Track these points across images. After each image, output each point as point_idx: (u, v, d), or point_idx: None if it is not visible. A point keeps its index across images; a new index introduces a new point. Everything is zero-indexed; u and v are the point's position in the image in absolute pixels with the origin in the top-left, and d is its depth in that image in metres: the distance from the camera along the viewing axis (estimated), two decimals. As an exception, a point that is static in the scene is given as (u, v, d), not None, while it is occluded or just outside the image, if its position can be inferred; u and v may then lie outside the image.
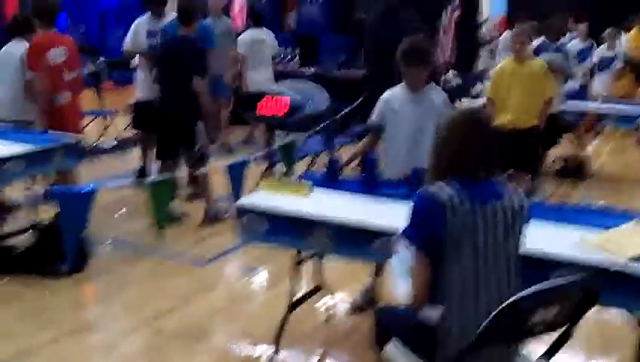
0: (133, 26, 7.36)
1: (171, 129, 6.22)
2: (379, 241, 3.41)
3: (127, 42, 7.39)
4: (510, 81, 6.41)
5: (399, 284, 2.95)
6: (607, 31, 10.92)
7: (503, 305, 2.38)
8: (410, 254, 2.73)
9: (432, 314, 2.64)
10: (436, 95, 4.51)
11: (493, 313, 2.39)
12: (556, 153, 8.57)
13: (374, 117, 4.61)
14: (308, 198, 3.95)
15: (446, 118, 2.86)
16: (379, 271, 4.56)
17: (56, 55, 5.60)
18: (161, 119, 6.29)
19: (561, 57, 7.36)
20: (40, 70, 5.56)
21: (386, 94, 4.60)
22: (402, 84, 4.51)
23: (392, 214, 3.61)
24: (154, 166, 6.94)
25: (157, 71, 6.26)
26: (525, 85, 6.36)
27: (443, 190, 2.60)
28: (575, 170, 8.54)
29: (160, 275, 5.24)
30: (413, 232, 2.68)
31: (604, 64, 10.92)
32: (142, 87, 7.27)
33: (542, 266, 3.02)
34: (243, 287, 5.07)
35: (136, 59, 7.57)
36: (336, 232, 3.58)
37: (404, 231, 2.73)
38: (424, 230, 2.63)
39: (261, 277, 5.25)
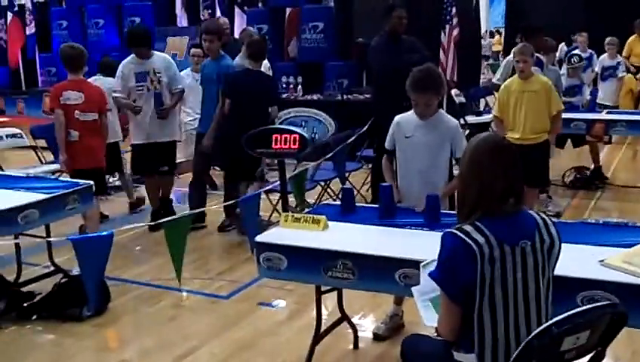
0: (119, 71, 7.11)
1: (242, 157, 6.46)
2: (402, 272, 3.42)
3: (117, 88, 7.12)
4: (516, 99, 6.42)
5: (424, 314, 2.95)
6: (608, 40, 10.91)
7: (535, 332, 2.37)
8: (433, 284, 2.72)
9: (466, 359, 2.63)
10: (448, 119, 4.48)
11: (525, 341, 2.38)
12: (568, 164, 8.57)
13: (387, 141, 4.59)
14: (326, 232, 3.95)
15: (466, 153, 2.76)
16: (401, 297, 4.56)
17: (70, 97, 6.17)
18: (234, 148, 6.50)
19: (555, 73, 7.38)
20: (55, 108, 6.20)
21: (398, 118, 4.54)
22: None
23: (412, 244, 3.64)
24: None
25: (229, 103, 6.64)
26: (531, 102, 6.37)
27: (473, 236, 2.53)
28: (588, 180, 8.57)
29: (181, 313, 5.25)
30: (442, 278, 2.62)
31: (606, 73, 10.93)
32: (139, 130, 7.19)
33: (566, 287, 3.02)
34: (266, 320, 5.04)
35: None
36: (357, 266, 3.57)
37: (432, 273, 2.69)
38: (453, 277, 2.57)
39: (283, 309, 5.24)
